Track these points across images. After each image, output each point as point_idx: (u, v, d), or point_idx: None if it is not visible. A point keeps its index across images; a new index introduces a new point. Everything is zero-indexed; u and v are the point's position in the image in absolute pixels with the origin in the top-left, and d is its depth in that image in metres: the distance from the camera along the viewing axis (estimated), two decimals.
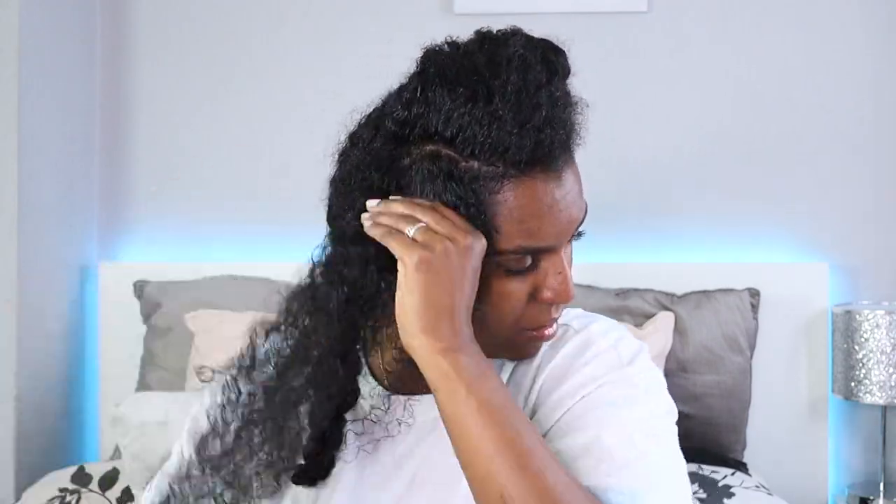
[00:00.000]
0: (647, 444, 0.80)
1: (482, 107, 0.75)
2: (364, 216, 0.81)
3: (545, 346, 0.89)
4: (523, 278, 0.81)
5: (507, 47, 0.78)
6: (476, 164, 0.76)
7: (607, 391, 0.83)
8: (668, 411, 0.86)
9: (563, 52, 0.80)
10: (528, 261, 0.80)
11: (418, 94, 0.78)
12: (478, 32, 0.81)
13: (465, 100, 0.75)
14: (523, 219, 0.77)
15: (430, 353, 0.77)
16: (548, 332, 0.85)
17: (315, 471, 0.88)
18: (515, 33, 0.79)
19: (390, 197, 0.80)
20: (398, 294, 0.78)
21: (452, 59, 0.78)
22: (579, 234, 0.84)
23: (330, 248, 0.85)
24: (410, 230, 0.77)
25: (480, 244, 0.77)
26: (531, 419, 0.85)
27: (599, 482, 0.78)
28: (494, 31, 0.80)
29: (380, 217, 0.79)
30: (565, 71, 0.79)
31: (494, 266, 0.79)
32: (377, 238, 0.79)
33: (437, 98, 0.77)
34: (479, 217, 0.77)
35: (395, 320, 0.80)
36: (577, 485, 0.76)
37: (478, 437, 0.75)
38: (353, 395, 0.88)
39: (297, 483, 0.88)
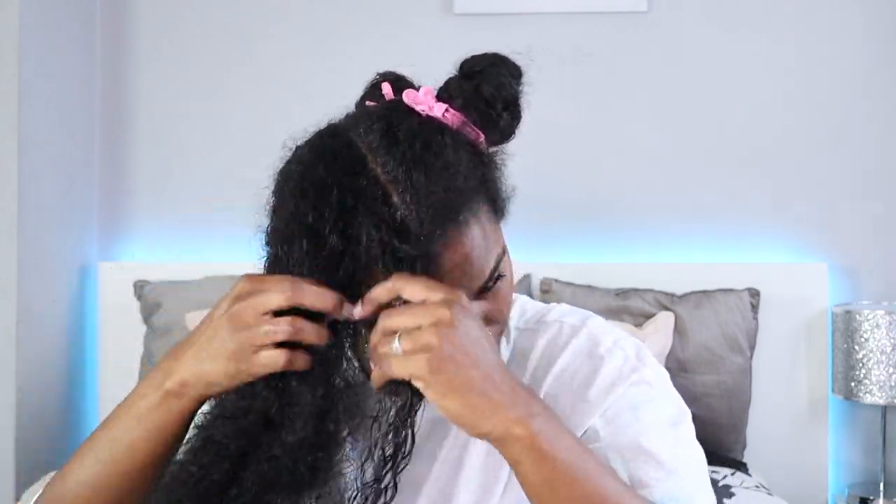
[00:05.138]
0: (684, 449, 0.82)
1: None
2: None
3: (540, 342, 0.88)
4: None
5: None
6: None
7: (633, 394, 0.83)
8: (683, 409, 0.87)
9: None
10: None
11: (271, 206, 0.82)
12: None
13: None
14: None
15: (506, 430, 0.70)
16: None
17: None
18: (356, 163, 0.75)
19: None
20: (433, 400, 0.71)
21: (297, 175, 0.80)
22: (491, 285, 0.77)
23: None
24: (395, 346, 0.70)
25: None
26: None
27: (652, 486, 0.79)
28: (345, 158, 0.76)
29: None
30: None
31: None
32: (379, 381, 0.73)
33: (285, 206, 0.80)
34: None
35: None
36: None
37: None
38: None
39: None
